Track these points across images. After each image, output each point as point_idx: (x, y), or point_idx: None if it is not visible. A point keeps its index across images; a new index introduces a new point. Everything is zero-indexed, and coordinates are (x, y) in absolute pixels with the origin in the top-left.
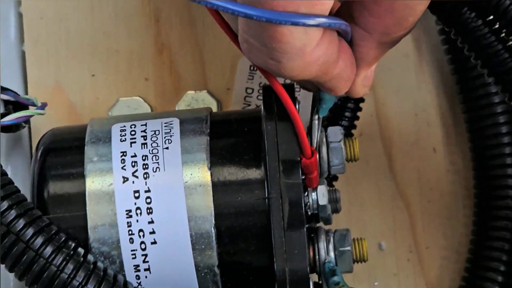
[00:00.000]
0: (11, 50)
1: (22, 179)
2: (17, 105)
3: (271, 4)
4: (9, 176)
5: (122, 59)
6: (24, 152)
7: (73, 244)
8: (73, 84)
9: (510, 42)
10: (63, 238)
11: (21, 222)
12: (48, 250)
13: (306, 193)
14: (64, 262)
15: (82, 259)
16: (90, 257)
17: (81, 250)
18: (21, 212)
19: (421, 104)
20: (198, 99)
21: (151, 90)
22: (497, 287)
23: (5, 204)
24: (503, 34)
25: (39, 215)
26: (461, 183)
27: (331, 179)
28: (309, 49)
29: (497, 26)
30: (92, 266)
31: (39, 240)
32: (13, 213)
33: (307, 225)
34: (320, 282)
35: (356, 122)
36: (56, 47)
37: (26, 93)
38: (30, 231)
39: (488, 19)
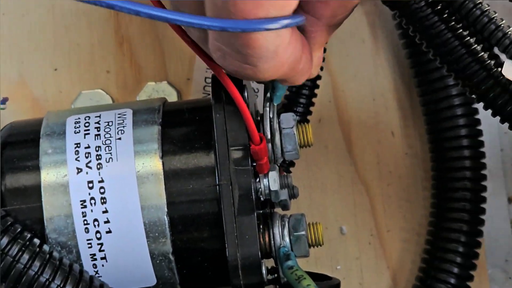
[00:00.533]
0: None
1: None
2: None
3: (243, 13)
4: None
5: (83, 52)
6: None
7: (29, 235)
8: (36, 78)
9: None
10: (19, 229)
11: None
12: (4, 241)
13: (258, 179)
14: (20, 253)
15: (37, 249)
16: (45, 247)
17: (36, 241)
18: None
19: (378, 88)
20: (158, 90)
21: (112, 82)
22: (456, 268)
23: None
24: (453, 23)
25: (4, 215)
26: (419, 166)
27: (287, 165)
28: (282, 49)
29: (446, 15)
30: (48, 255)
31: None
32: None
33: (261, 211)
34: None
35: (314, 108)
36: (18, 42)
37: None
38: None
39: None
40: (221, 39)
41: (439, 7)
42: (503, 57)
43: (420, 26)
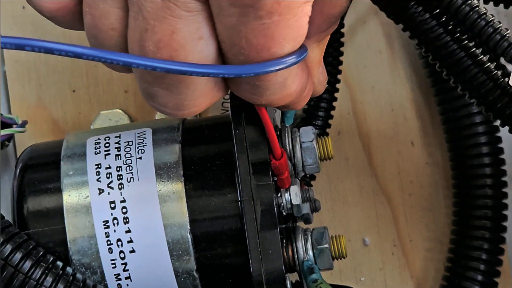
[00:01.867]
0: None
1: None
2: None
3: (260, 56)
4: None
5: (101, 73)
6: (11, 169)
7: (52, 258)
8: (54, 100)
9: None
10: (41, 252)
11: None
12: (27, 265)
13: (280, 194)
14: (44, 276)
15: (61, 271)
16: (69, 269)
17: (59, 263)
18: None
19: (396, 99)
20: None
21: (131, 102)
22: (480, 276)
23: None
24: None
25: (17, 232)
26: (440, 174)
27: (309, 179)
28: (290, 81)
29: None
30: (71, 278)
31: (18, 256)
32: None
33: (283, 225)
34: (301, 280)
35: (333, 121)
36: (36, 65)
37: (10, 111)
38: (8, 248)
39: (435, 12)
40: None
41: (443, 19)
42: (510, 67)
43: (426, 38)
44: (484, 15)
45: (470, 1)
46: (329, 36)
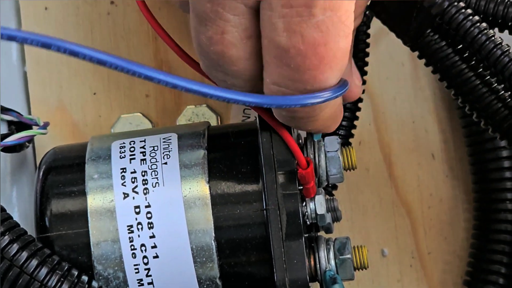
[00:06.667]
0: (13, 71)
1: (28, 198)
2: (20, 125)
3: (317, 53)
4: (14, 196)
5: (122, 76)
6: (30, 171)
7: (67, 265)
8: (75, 102)
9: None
10: (57, 260)
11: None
12: (43, 272)
13: (304, 203)
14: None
15: (76, 279)
16: (84, 278)
17: (75, 271)
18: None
19: (418, 111)
20: (198, 114)
21: (152, 106)
22: None
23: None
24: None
25: (32, 239)
26: (460, 188)
27: (331, 188)
28: (326, 109)
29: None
30: (86, 286)
31: (34, 263)
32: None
33: (306, 235)
34: None
35: (355, 131)
36: (57, 67)
37: (30, 113)
38: (24, 255)
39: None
40: None
41: (459, 47)
42: None
43: (442, 66)
44: (500, 45)
45: (486, 31)
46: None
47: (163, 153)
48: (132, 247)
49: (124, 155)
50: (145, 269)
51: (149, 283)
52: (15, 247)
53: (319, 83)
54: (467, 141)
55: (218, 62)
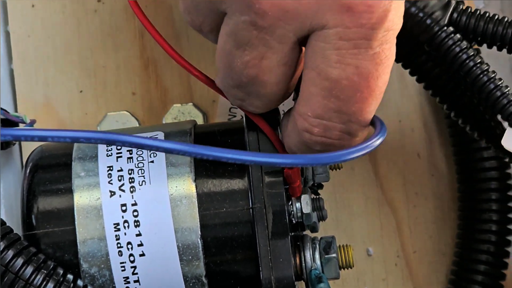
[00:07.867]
0: (0, 68)
1: (14, 195)
2: (6, 122)
3: (370, 85)
4: (0, 193)
5: (109, 74)
6: (16, 168)
7: (52, 264)
8: (61, 100)
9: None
10: (42, 259)
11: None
12: (28, 271)
13: (290, 202)
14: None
15: (61, 278)
16: (69, 277)
17: (60, 270)
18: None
19: (404, 110)
20: (184, 112)
21: (138, 104)
22: None
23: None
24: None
25: (18, 238)
26: (445, 187)
27: (316, 187)
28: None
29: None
30: (72, 285)
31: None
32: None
33: (292, 234)
34: None
35: None
36: (44, 64)
37: (16, 110)
38: (9, 254)
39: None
40: None
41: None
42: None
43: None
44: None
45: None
46: None
47: (150, 152)
48: (119, 245)
49: (111, 153)
50: (131, 267)
51: (135, 281)
52: (0, 246)
53: (364, 115)
54: (452, 141)
55: (247, 84)
